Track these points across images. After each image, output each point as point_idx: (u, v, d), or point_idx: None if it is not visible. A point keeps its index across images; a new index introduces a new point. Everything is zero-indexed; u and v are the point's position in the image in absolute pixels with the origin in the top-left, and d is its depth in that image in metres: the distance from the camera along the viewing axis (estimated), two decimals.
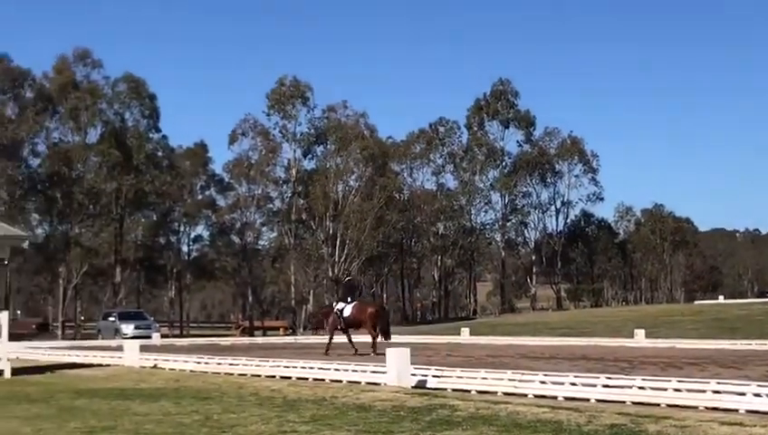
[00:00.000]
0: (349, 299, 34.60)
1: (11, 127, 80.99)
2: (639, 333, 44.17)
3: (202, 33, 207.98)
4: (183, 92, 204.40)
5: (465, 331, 54.69)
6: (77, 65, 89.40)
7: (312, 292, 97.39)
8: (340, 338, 35.51)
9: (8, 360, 28.76)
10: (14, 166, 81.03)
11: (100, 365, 32.62)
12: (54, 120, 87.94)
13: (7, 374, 27.41)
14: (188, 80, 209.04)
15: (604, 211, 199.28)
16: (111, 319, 67.71)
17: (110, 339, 59.67)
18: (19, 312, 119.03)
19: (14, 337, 39.15)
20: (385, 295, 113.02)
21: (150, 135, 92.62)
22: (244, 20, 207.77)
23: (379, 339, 32.95)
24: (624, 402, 16.70)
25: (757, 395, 15.33)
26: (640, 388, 17.17)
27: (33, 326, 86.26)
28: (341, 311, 34.01)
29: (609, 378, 18.19)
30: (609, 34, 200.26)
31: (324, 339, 37.40)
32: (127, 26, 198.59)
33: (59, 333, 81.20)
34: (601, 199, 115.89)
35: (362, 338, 34.82)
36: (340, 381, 22.70)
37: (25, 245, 56.63)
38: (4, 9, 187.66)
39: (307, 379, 23.77)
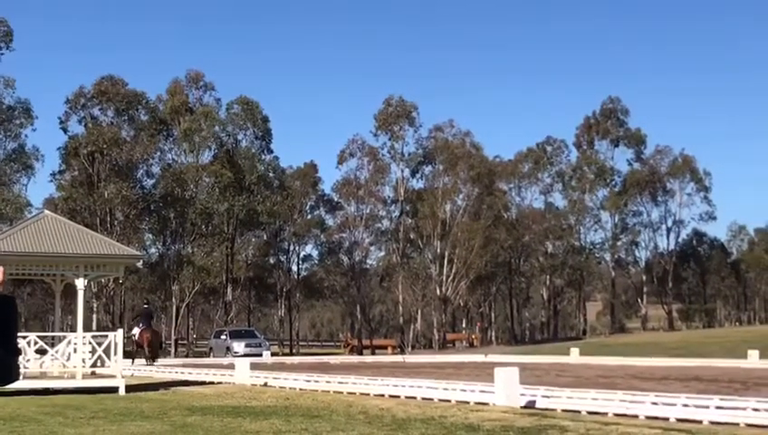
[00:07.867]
0: (141, 325, 41.60)
1: (126, 148, 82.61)
2: (754, 354, 43.32)
3: (309, 55, 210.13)
4: (292, 113, 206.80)
5: (575, 351, 54.25)
6: (190, 88, 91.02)
7: (419, 311, 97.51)
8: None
9: (123, 377, 29.42)
10: (128, 187, 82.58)
11: (212, 383, 33.15)
12: (168, 142, 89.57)
13: (122, 391, 28.01)
14: (297, 101, 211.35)
15: (717, 230, 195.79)
16: (223, 337, 68.75)
17: (221, 357, 60.69)
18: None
19: (128, 355, 40.07)
20: (493, 315, 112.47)
21: (262, 156, 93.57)
22: (350, 43, 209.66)
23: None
24: (738, 424, 16.44)
25: None
26: (755, 410, 16.87)
27: None
28: (135, 335, 41.69)
29: (723, 399, 17.91)
30: (718, 45, 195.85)
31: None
32: (236, 49, 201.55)
33: (172, 350, 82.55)
34: (714, 218, 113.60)
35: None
36: (449, 401, 22.74)
37: (139, 264, 58.00)
38: (118, 34, 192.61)
39: (416, 398, 23.85)
